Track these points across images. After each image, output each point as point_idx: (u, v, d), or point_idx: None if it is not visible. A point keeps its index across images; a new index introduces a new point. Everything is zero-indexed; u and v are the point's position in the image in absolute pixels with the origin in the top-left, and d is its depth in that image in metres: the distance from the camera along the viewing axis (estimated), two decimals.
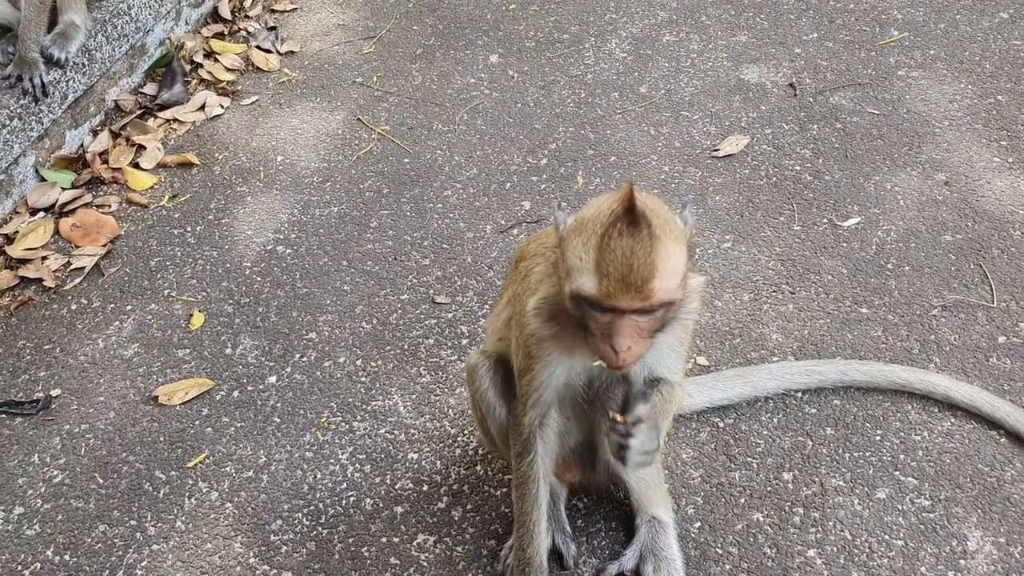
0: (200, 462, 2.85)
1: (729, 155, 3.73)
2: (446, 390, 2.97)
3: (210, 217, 3.69)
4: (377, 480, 2.75)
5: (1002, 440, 2.68)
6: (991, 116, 3.77)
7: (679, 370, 2.23)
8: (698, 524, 2.56)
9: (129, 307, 3.36)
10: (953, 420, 2.74)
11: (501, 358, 2.42)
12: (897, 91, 3.94)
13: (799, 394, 2.84)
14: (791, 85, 4.04)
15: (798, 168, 3.64)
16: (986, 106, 3.81)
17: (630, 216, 1.84)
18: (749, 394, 2.81)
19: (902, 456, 2.66)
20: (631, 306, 1.85)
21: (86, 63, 3.97)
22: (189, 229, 3.65)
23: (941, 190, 3.48)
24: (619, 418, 2.05)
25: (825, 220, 3.41)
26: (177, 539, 2.66)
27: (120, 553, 2.63)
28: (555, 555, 2.49)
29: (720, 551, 2.50)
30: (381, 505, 2.68)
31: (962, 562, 2.42)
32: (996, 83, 3.92)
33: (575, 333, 2.03)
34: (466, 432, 2.84)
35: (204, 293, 3.38)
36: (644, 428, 2.04)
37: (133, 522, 2.71)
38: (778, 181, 3.59)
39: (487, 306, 3.21)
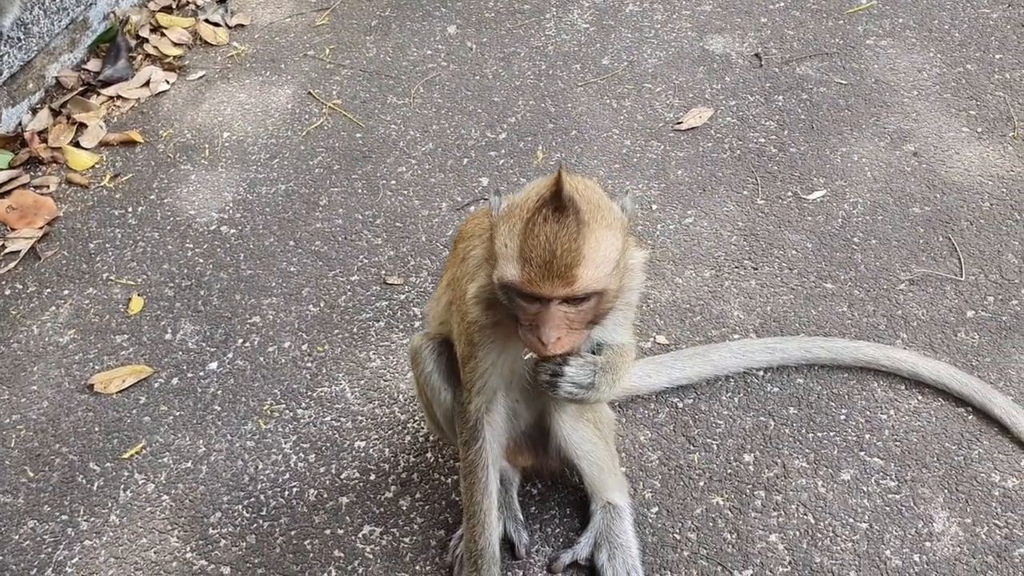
0: (136, 453, 2.71)
1: (692, 128, 3.61)
2: (396, 375, 2.84)
3: (152, 197, 3.54)
4: (322, 470, 2.62)
5: (970, 417, 2.59)
6: (960, 85, 3.67)
7: (627, 339, 2.12)
8: (656, 509, 2.45)
9: (66, 292, 3.21)
10: (920, 398, 2.64)
11: (446, 339, 2.30)
12: (865, 60, 3.83)
13: (761, 372, 2.73)
14: (757, 55, 3.92)
15: (763, 140, 3.53)
16: (955, 75, 3.71)
17: (557, 201, 1.77)
18: (709, 373, 2.71)
19: (867, 436, 2.56)
20: (554, 294, 1.79)
21: (22, 37, 3.79)
22: (130, 210, 3.50)
23: (909, 161, 3.38)
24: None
25: (790, 193, 3.30)
26: (111, 534, 2.53)
27: (49, 550, 2.49)
28: (506, 544, 2.38)
29: (678, 536, 2.39)
30: (325, 496, 2.56)
31: (927, 544, 2.33)
32: (965, 52, 3.81)
33: (515, 317, 1.93)
34: (416, 418, 2.72)
35: (144, 276, 3.23)
36: (580, 360, 1.95)
37: (64, 517, 2.57)
38: (742, 154, 3.48)
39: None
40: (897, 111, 3.58)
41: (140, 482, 2.64)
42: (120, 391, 2.87)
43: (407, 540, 2.44)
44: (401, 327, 2.98)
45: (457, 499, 2.50)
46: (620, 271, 1.87)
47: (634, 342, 2.15)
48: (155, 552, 2.47)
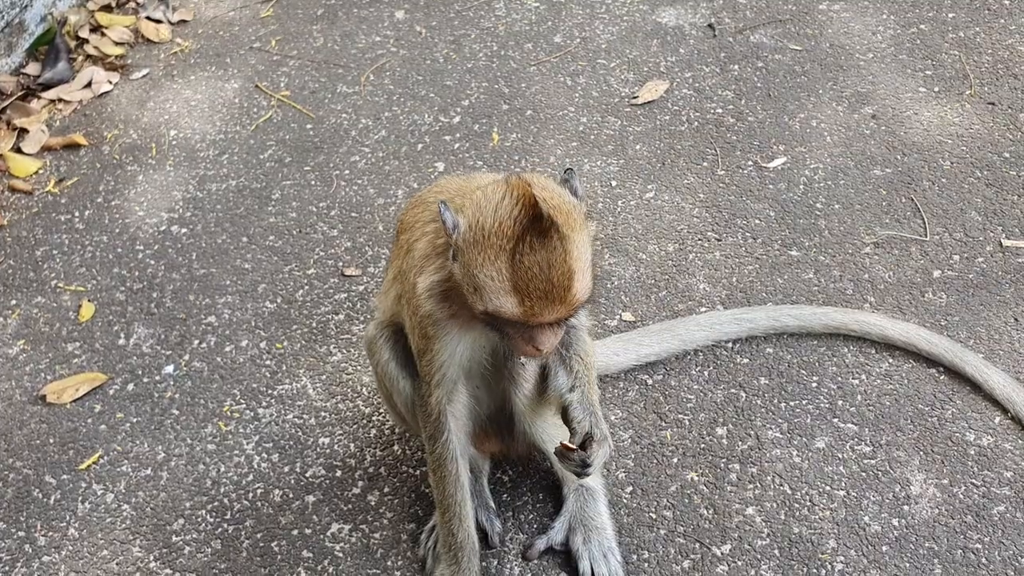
0: (94, 463, 2.62)
1: (649, 102, 3.56)
2: (359, 368, 2.77)
3: (99, 200, 3.43)
4: (286, 469, 2.55)
5: (942, 378, 2.56)
6: (915, 46, 3.64)
7: (583, 319, 2.13)
8: (630, 488, 2.40)
9: (13, 301, 3.10)
10: (891, 361, 2.61)
11: (400, 327, 2.23)
12: (819, 25, 3.79)
13: (730, 344, 2.69)
14: (710, 26, 3.87)
15: (720, 111, 3.48)
16: (909, 36, 3.68)
17: (538, 225, 1.72)
18: (678, 348, 2.66)
19: (840, 402, 2.53)
20: (557, 318, 1.78)
21: None
22: (77, 214, 3.39)
23: (868, 124, 3.35)
24: (570, 445, 2.00)
25: (750, 162, 3.26)
26: (70, 548, 2.44)
27: (7, 568, 2.40)
28: (479, 533, 2.31)
29: (654, 515, 2.34)
30: (291, 495, 2.49)
31: (906, 507, 2.29)
32: (918, 12, 3.78)
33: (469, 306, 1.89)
34: (381, 411, 2.65)
35: (94, 281, 3.13)
36: (600, 450, 2.01)
37: (21, 533, 2.48)
38: (700, 125, 3.43)
39: None
40: (853, 74, 3.55)
41: (99, 492, 2.55)
42: (74, 400, 2.78)
43: (377, 536, 2.38)
44: (361, 319, 2.90)
45: (427, 490, 2.43)
46: (595, 265, 1.87)
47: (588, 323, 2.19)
48: (117, 563, 2.39)
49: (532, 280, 1.73)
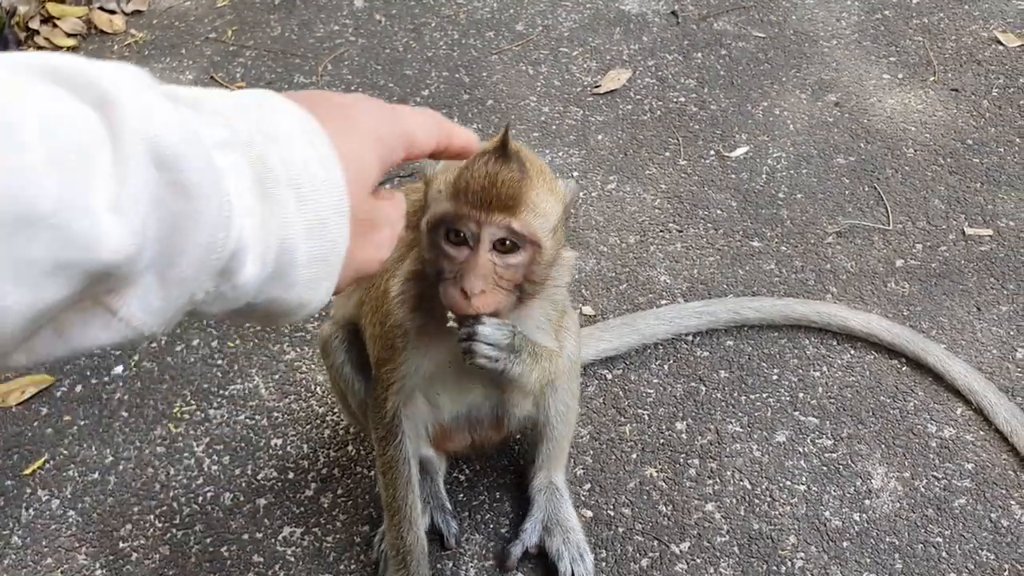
0: (39, 467, 2.54)
1: (611, 91, 3.50)
2: (313, 366, 2.71)
3: None
4: (237, 472, 2.48)
5: (904, 369, 2.53)
6: (879, 32, 3.61)
7: (551, 342, 1.96)
8: (588, 486, 2.35)
9: None
10: (853, 352, 2.58)
11: (356, 327, 2.17)
12: (782, 12, 3.75)
13: (690, 337, 2.64)
14: (673, 13, 3.82)
15: (683, 99, 3.43)
16: (873, 22, 3.65)
17: (501, 150, 1.61)
18: (637, 342, 2.61)
19: (801, 395, 2.49)
20: (491, 220, 1.61)
21: None
22: None
23: (832, 111, 3.31)
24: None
25: (712, 152, 3.22)
26: (13, 556, 2.36)
27: None
28: (434, 535, 2.26)
29: (612, 513, 2.30)
30: (242, 499, 2.42)
31: (867, 502, 2.26)
32: None
33: (443, 318, 1.79)
34: (335, 411, 2.59)
35: None
36: (496, 320, 1.74)
37: None
38: (663, 115, 3.38)
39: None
40: (817, 61, 3.51)
41: (44, 499, 2.48)
42: (20, 403, 2.70)
43: (330, 539, 2.32)
44: (316, 316, 2.84)
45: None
46: (557, 241, 1.75)
47: (558, 350, 1.98)
48: (62, 572, 2.32)
49: (475, 180, 1.60)
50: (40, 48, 3.99)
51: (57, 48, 3.98)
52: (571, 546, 2.19)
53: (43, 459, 2.56)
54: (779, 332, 2.64)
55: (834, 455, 2.36)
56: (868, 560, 2.16)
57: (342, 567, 2.26)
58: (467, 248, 1.66)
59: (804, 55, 3.55)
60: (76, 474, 2.52)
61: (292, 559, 2.29)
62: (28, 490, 2.50)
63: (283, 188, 0.86)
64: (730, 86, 3.46)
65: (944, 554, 2.14)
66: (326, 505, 2.39)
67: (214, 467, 2.50)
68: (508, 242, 1.66)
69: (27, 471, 2.54)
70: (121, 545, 2.36)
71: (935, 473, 2.30)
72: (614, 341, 2.60)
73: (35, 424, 2.65)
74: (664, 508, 2.30)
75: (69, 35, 4.08)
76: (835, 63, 3.50)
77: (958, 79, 3.36)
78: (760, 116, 3.32)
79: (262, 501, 2.41)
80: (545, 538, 2.22)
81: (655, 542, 2.23)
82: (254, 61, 3.84)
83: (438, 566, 2.23)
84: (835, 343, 2.60)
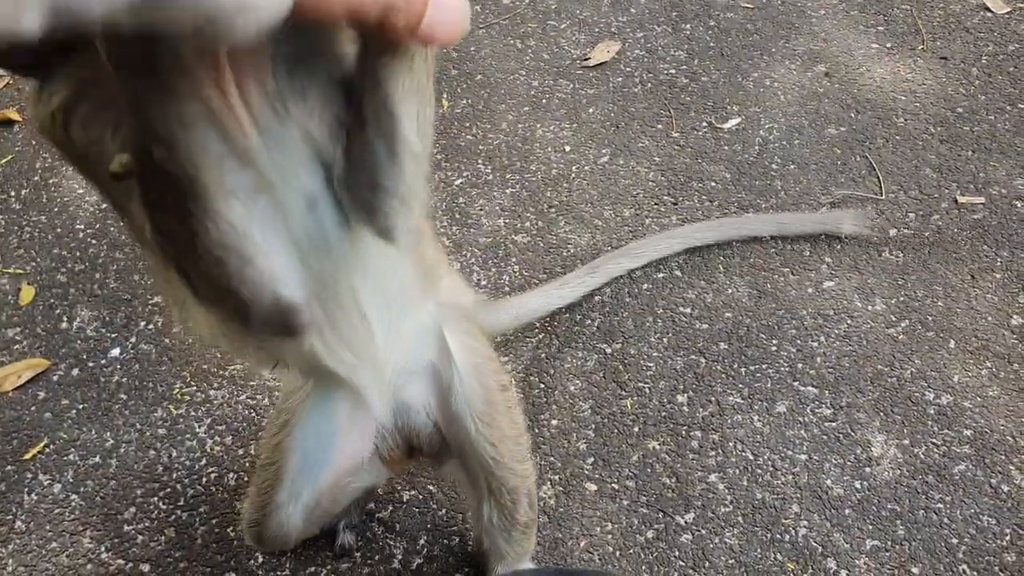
0: (39, 452, 2.53)
1: (601, 63, 3.49)
2: None
3: (36, 179, 3.30)
4: (240, 452, 2.48)
5: (900, 338, 2.55)
6: (867, 1, 3.61)
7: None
8: (591, 460, 2.37)
9: None
10: (850, 322, 2.60)
11: None
12: None
13: (689, 310, 2.66)
14: None
15: (673, 71, 3.43)
16: None
17: None
18: (598, 282, 2.69)
19: (800, 365, 2.52)
20: None
21: None
22: (13, 194, 3.25)
23: (822, 82, 3.32)
24: None
25: (704, 124, 3.22)
26: (17, 541, 2.35)
27: None
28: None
29: (616, 486, 2.32)
30: (246, 479, 2.42)
31: (867, 469, 2.29)
32: None
33: None
34: None
35: (33, 264, 3.01)
36: None
37: None
38: (653, 87, 3.37)
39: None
40: (806, 32, 3.51)
41: (45, 483, 2.47)
42: (16, 388, 2.68)
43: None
44: None
45: None
46: None
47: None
48: (67, 556, 2.31)
49: None
50: None
51: None
52: None
53: (43, 444, 2.55)
54: (777, 304, 2.66)
55: (834, 424, 2.39)
56: (870, 527, 2.19)
57: (349, 543, 2.27)
58: None
59: (793, 25, 3.55)
60: (77, 458, 2.51)
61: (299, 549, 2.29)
62: (29, 475, 2.49)
63: None
64: (720, 57, 3.46)
65: (946, 519, 2.18)
66: None
67: (217, 448, 2.49)
68: None
69: (27, 456, 2.52)
70: (126, 528, 2.36)
71: (934, 440, 2.33)
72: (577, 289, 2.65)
73: (33, 409, 2.63)
74: (668, 480, 2.32)
75: None
76: (824, 33, 3.50)
77: (947, 47, 3.38)
78: (751, 87, 3.32)
79: None
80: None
81: (660, 514, 2.26)
82: None
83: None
84: (832, 313, 2.62)
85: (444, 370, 1.66)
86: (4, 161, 3.38)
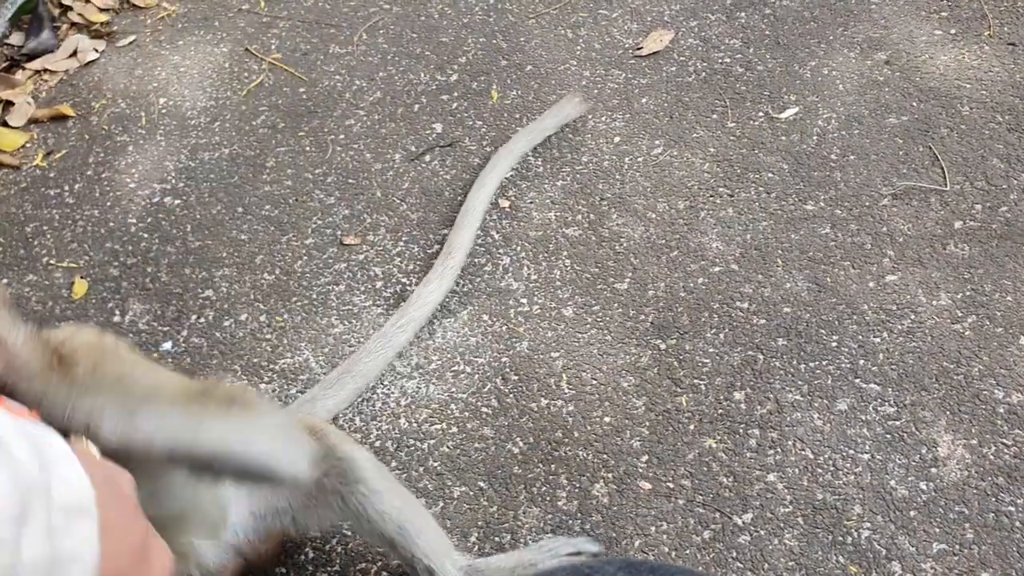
0: None
1: (653, 53, 3.42)
2: (361, 338, 2.68)
3: (89, 173, 3.32)
4: None
5: (967, 334, 2.46)
6: None
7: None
8: (645, 457, 2.32)
9: (4, 280, 3.00)
10: (913, 317, 2.51)
11: None
12: None
13: (745, 304, 2.59)
14: None
15: (728, 60, 3.35)
16: None
17: None
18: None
19: (861, 361, 2.44)
20: None
21: None
22: (67, 188, 3.28)
23: (882, 70, 3.21)
24: None
25: (761, 114, 3.14)
26: None
27: None
28: None
29: (672, 485, 2.26)
30: None
31: (933, 470, 2.21)
32: None
33: None
34: (385, 382, 2.56)
35: (87, 257, 3.03)
36: None
37: None
38: (708, 76, 3.30)
39: (401, 243, 2.91)
40: (865, 19, 3.41)
41: None
42: None
43: None
44: (362, 289, 2.81)
45: (437, 465, 2.35)
46: None
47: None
48: None
49: None
50: (74, 24, 3.96)
51: (90, 23, 3.95)
52: None
53: None
54: (837, 298, 2.58)
55: (898, 423, 2.30)
56: (937, 530, 2.11)
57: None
58: None
59: (851, 12, 3.45)
60: None
61: (348, 532, 2.27)
62: None
63: None
64: (776, 46, 3.37)
65: (1017, 523, 2.09)
66: None
67: None
68: None
69: None
70: None
71: (1004, 440, 2.24)
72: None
73: None
74: (725, 479, 2.26)
75: (102, 10, 4.03)
76: (884, 20, 3.39)
77: (1015, 33, 3.25)
78: (808, 76, 3.23)
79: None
80: None
81: (717, 514, 2.20)
82: (288, 32, 3.78)
83: None
84: (895, 308, 2.54)
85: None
86: (58, 156, 3.41)
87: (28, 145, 3.49)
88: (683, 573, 1.08)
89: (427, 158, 3.18)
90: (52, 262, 3.04)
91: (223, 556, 1.83)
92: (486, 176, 2.98)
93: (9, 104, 3.64)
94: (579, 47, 3.51)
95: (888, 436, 2.28)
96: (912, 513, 2.14)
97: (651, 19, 3.57)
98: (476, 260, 2.82)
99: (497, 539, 2.21)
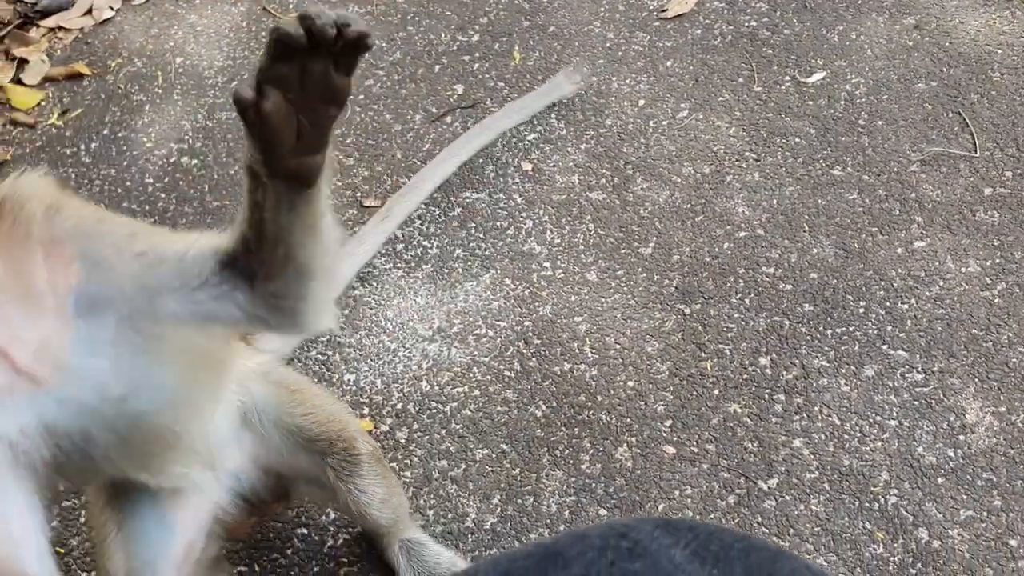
0: None
1: (679, 15, 3.36)
2: (382, 301, 2.66)
3: (105, 132, 3.29)
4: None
5: (996, 301, 2.43)
6: None
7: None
8: (669, 422, 2.30)
9: None
10: (942, 284, 2.48)
11: None
12: None
13: (771, 270, 2.56)
14: None
15: (754, 24, 3.29)
16: None
17: None
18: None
19: (889, 328, 2.41)
20: None
21: None
22: (83, 147, 3.25)
23: (911, 35, 3.16)
24: None
25: (787, 78, 3.09)
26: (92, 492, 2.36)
27: None
28: None
29: (696, 449, 2.24)
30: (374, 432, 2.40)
31: (961, 437, 2.19)
32: None
33: None
34: (407, 345, 2.54)
35: None
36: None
37: None
38: (734, 39, 3.25)
39: (421, 205, 2.88)
40: None
41: None
42: None
43: (408, 474, 2.29)
44: (382, 251, 2.78)
45: (457, 427, 2.34)
46: None
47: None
48: None
49: None
50: None
51: None
52: None
53: None
54: (864, 264, 2.54)
55: (925, 389, 2.28)
56: (965, 497, 2.09)
57: (420, 502, 2.24)
58: None
59: None
60: None
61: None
62: None
63: None
64: (803, 9, 3.31)
65: None
66: (403, 440, 2.35)
67: None
68: None
69: None
70: None
71: None
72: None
73: None
74: (750, 444, 2.24)
75: None
76: None
77: None
78: (836, 40, 3.18)
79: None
80: None
81: (742, 479, 2.18)
82: None
83: None
84: (923, 275, 2.50)
85: (251, 421, 1.77)
86: (74, 115, 3.38)
87: (43, 104, 3.46)
88: (721, 531, 1.04)
89: (448, 119, 3.14)
90: None
91: (228, 499, 1.79)
92: (458, 147, 2.94)
93: (23, 62, 3.60)
94: (602, 8, 3.45)
95: (916, 403, 2.26)
96: (940, 480, 2.12)
97: None
98: (498, 224, 2.79)
99: (520, 501, 2.20)
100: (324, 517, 2.24)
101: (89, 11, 3.79)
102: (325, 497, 1.97)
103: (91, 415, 1.29)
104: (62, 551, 2.24)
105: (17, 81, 3.52)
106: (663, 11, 3.38)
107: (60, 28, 3.75)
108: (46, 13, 3.78)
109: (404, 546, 2.07)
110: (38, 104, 3.44)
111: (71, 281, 1.25)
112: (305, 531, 2.23)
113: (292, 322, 1.39)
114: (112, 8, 3.79)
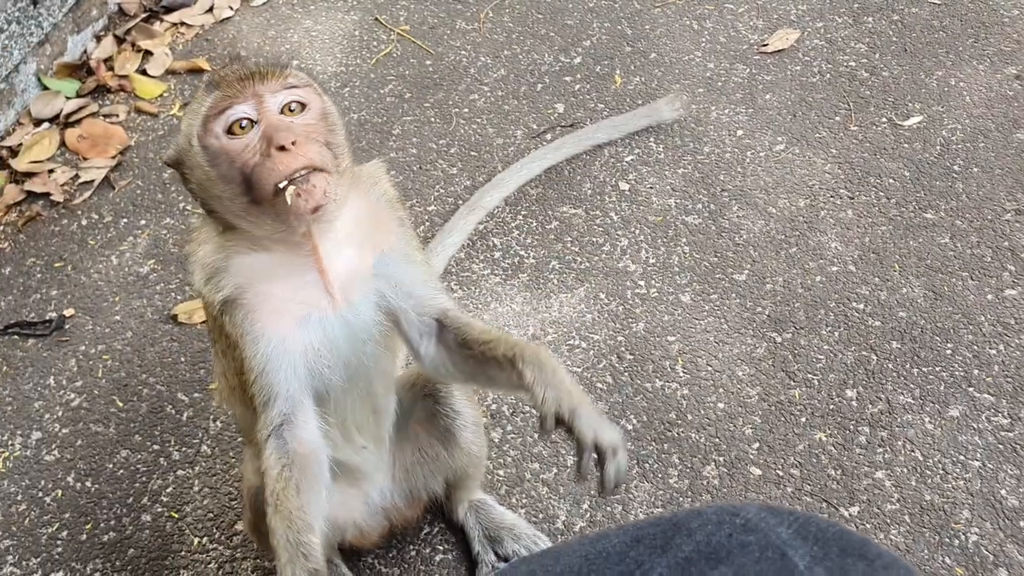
0: None
1: (779, 51, 3.46)
2: (480, 305, 2.78)
3: None
4: None
5: None
6: None
7: (434, 281, 1.83)
8: (756, 445, 2.39)
9: (143, 221, 3.17)
10: None
11: None
12: None
13: (861, 306, 2.63)
14: None
15: (853, 64, 3.37)
16: None
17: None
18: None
19: (976, 371, 2.47)
20: (266, 85, 1.54)
21: None
22: None
23: (1012, 85, 3.21)
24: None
25: (884, 119, 3.16)
26: (203, 464, 2.52)
27: (144, 479, 2.49)
28: None
29: (781, 473, 2.33)
30: None
31: None
32: None
33: (275, 273, 1.64)
34: None
35: None
36: (613, 460, 1.61)
37: (156, 447, 2.56)
38: (832, 78, 3.33)
39: (520, 216, 3.00)
40: (997, 32, 3.41)
41: (228, 412, 2.62)
42: (204, 322, 2.84)
43: (501, 472, 2.41)
44: (481, 258, 2.91)
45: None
46: (331, 126, 1.66)
47: (428, 264, 1.91)
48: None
49: (232, 68, 1.59)
50: None
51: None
52: (523, 541, 2.22)
53: None
54: (953, 307, 2.61)
55: (1011, 434, 2.34)
56: None
57: (513, 500, 2.35)
58: (252, 128, 1.55)
59: (983, 24, 3.44)
60: None
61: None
62: (214, 403, 2.64)
63: None
64: (903, 53, 3.38)
65: None
66: (496, 439, 2.47)
67: None
68: (294, 104, 1.58)
69: (212, 385, 2.68)
70: None
71: None
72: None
73: None
74: (833, 472, 2.32)
75: None
76: (1017, 34, 3.38)
77: None
78: (934, 86, 3.25)
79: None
80: (497, 548, 2.24)
81: (824, 504, 2.26)
82: (417, 5, 3.89)
83: None
84: (1013, 322, 2.57)
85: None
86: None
87: (165, 94, 3.65)
88: (817, 517, 1.20)
89: (548, 136, 3.26)
90: (188, 208, 3.19)
91: (374, 516, 2.07)
92: (548, 151, 3.10)
93: (148, 54, 3.81)
94: (704, 39, 3.55)
95: (1000, 446, 2.32)
96: (1022, 524, 2.18)
97: (777, 17, 3.60)
98: (594, 239, 2.90)
99: (609, 508, 2.31)
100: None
101: (210, 9, 3.99)
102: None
103: (351, 346, 1.70)
104: (176, 515, 2.40)
105: (142, 72, 3.72)
106: (764, 45, 3.48)
107: (183, 24, 3.95)
108: (170, 8, 3.99)
109: (473, 505, 2.28)
110: (161, 95, 3.64)
111: (383, 248, 1.72)
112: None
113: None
114: (232, 8, 3.98)
